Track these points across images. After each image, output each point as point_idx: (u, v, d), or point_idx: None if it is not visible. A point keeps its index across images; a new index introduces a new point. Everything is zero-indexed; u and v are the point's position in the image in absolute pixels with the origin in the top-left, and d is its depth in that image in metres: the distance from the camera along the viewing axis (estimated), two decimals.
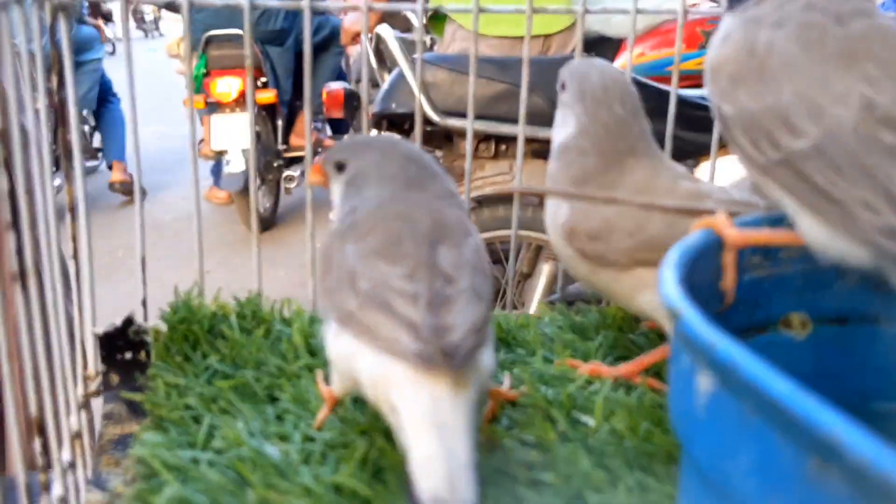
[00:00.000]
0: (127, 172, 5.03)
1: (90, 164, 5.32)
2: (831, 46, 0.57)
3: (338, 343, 0.65)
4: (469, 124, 0.96)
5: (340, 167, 0.74)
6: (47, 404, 0.67)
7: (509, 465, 0.66)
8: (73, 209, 0.81)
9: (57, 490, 0.70)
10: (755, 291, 0.65)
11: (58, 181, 5.61)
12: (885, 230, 0.54)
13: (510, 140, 2.67)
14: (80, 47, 4.77)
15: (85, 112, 5.10)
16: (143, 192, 0.95)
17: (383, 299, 0.61)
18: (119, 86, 5.07)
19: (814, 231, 0.58)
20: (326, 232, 0.72)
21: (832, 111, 0.55)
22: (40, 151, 0.77)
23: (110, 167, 5.13)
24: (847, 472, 0.39)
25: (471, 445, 0.56)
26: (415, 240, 0.65)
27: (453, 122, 2.68)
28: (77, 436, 0.77)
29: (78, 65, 4.13)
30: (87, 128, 5.24)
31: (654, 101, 2.37)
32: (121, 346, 0.85)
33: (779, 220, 0.62)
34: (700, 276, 0.60)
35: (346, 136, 4.08)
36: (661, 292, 0.53)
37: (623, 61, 3.62)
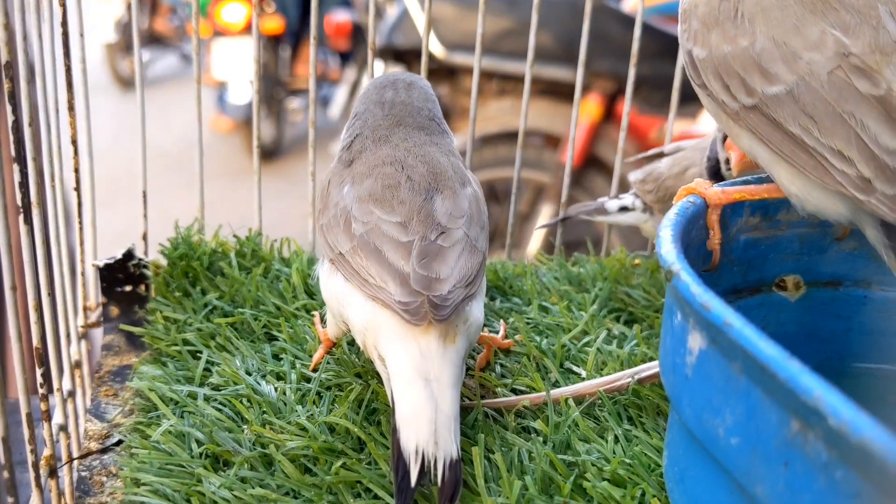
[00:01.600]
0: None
1: None
2: None
3: (330, 283, 0.65)
4: (476, 61, 0.95)
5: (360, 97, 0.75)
6: (49, 334, 0.68)
7: (500, 413, 0.67)
8: (75, 142, 0.81)
9: (57, 417, 0.71)
10: (751, 252, 0.65)
11: (146, 56, 5.65)
12: (857, 180, 0.53)
13: (515, 78, 2.65)
14: None
15: None
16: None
17: (375, 245, 0.62)
18: None
19: (790, 181, 0.57)
20: (327, 167, 0.72)
21: (807, 56, 0.54)
22: (45, 84, 0.77)
23: None
24: (827, 435, 0.40)
25: (457, 398, 0.57)
26: (411, 188, 0.65)
27: (458, 58, 2.66)
28: (77, 365, 0.78)
29: None
30: None
31: (659, 45, 2.33)
32: (121, 278, 0.86)
33: (764, 181, 0.63)
34: (694, 239, 0.61)
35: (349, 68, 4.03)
36: (657, 252, 0.53)
37: (635, 1, 3.57)
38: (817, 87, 0.54)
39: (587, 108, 2.52)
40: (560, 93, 2.57)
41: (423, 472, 0.54)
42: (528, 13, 0.95)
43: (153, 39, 5.63)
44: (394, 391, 0.57)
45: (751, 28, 0.57)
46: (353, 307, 0.62)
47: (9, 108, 0.60)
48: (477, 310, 0.63)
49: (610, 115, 2.57)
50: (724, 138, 0.79)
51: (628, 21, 2.49)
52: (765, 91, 0.56)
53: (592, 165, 2.54)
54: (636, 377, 0.69)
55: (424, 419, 0.55)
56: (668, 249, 0.53)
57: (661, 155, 0.94)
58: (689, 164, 0.85)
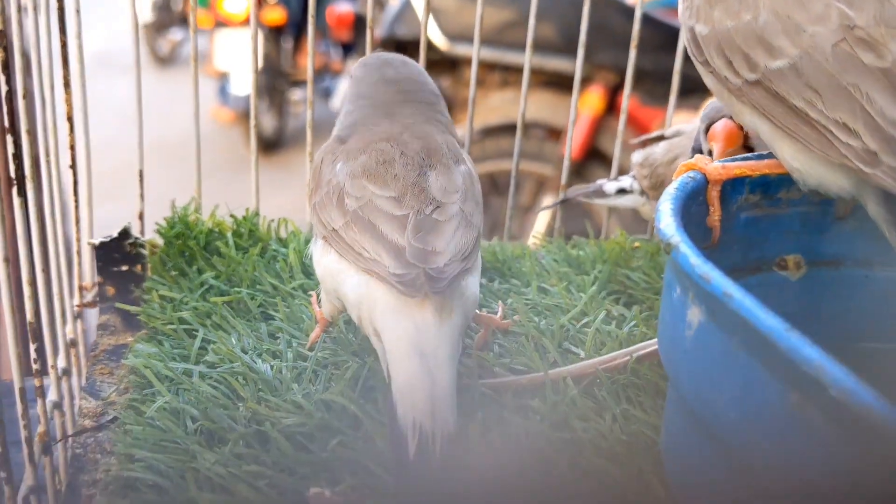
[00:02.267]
0: None
1: None
2: None
3: (323, 260, 0.65)
4: (475, 52, 0.95)
5: (351, 78, 0.74)
6: (43, 311, 0.67)
7: (498, 391, 0.67)
8: (70, 119, 0.80)
9: (51, 395, 0.71)
10: (752, 231, 0.65)
11: (179, 35, 5.64)
12: (863, 153, 0.52)
13: (518, 69, 2.65)
14: None
15: None
16: None
17: (369, 220, 0.61)
18: None
19: (792, 156, 0.57)
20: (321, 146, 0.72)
21: (810, 29, 0.54)
22: (39, 53, 0.76)
23: None
24: (827, 407, 0.39)
25: (454, 373, 0.57)
26: (405, 163, 0.65)
27: (460, 49, 2.65)
28: (72, 344, 0.78)
29: None
30: None
31: (663, 37, 2.33)
32: (116, 258, 0.85)
33: (765, 157, 0.62)
34: (694, 215, 0.60)
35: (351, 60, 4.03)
36: (657, 226, 0.53)
37: None
38: (821, 60, 0.53)
39: (589, 101, 2.51)
40: (563, 85, 2.56)
41: (422, 446, 0.53)
42: (529, 4, 0.95)
43: (185, 21, 5.65)
44: (390, 366, 0.56)
45: (754, 2, 0.56)
46: (348, 283, 0.62)
47: (2, 78, 0.59)
48: (473, 285, 0.62)
49: (612, 107, 2.57)
50: (707, 129, 0.78)
51: (631, 13, 2.48)
52: (768, 65, 0.55)
53: (594, 158, 2.53)
54: (634, 355, 0.69)
55: (421, 394, 0.54)
56: (667, 223, 0.52)
57: (661, 138, 0.94)
58: (681, 152, 0.84)
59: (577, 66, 0.97)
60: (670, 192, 0.58)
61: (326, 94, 4.30)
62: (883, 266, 0.66)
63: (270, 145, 4.40)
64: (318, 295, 0.77)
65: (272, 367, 0.69)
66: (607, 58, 2.45)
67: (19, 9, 0.68)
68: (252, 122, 0.94)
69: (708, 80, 0.61)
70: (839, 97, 0.53)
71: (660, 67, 2.09)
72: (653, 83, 2.48)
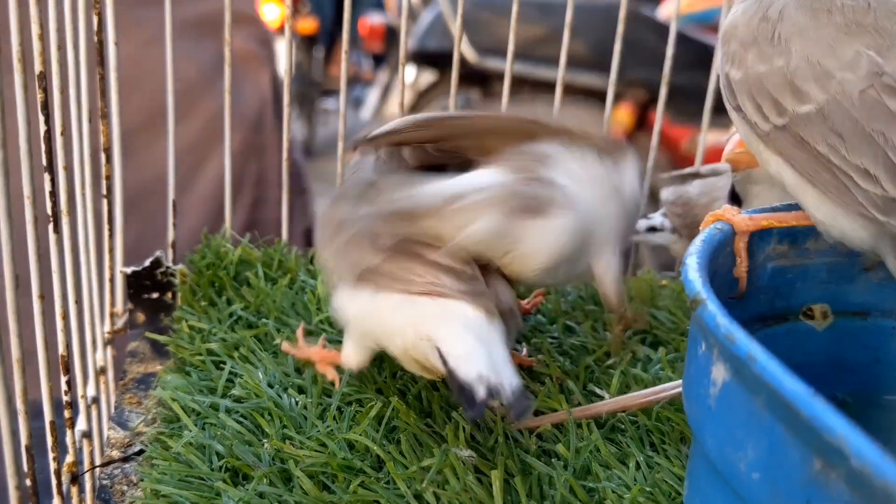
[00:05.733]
0: None
1: None
2: (839, 16, 0.56)
3: (355, 302, 0.65)
4: (507, 67, 0.94)
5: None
6: (75, 343, 0.69)
7: (521, 434, 0.67)
8: (107, 150, 0.82)
9: (80, 425, 0.72)
10: (779, 280, 0.65)
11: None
12: (880, 200, 0.52)
13: (548, 84, 2.64)
14: None
15: None
16: None
17: (412, 250, 0.62)
18: None
19: (815, 206, 0.57)
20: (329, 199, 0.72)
21: (839, 76, 0.54)
22: (79, 93, 0.78)
23: None
24: (850, 476, 0.39)
25: (508, 355, 0.58)
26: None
27: (490, 63, 2.66)
28: (102, 371, 0.79)
29: None
30: None
31: (693, 54, 2.32)
32: (148, 286, 0.86)
33: (792, 208, 0.62)
34: (721, 266, 0.60)
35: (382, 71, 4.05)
36: (683, 280, 0.53)
37: (670, 10, 3.55)
38: (848, 106, 0.54)
39: (619, 117, 2.51)
40: (592, 100, 2.56)
41: (491, 391, 0.54)
42: (561, 20, 0.95)
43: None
44: (445, 350, 0.57)
45: (786, 48, 0.57)
46: (389, 311, 0.62)
47: (41, 119, 0.61)
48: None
49: (642, 124, 2.56)
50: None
51: (663, 30, 2.48)
52: (796, 110, 0.56)
53: None
54: (657, 396, 0.69)
55: (481, 356, 0.56)
56: (694, 277, 0.52)
57: (696, 175, 0.93)
58: (719, 196, 0.84)
59: (610, 84, 0.97)
60: (697, 244, 0.58)
61: (357, 104, 4.33)
62: None
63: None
64: (304, 330, 0.77)
65: (297, 402, 0.70)
66: (637, 74, 2.44)
67: (60, 47, 0.69)
68: (284, 154, 0.94)
69: (739, 126, 0.62)
70: (862, 142, 0.53)
71: (689, 84, 2.08)
72: (683, 100, 2.47)
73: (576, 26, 0.97)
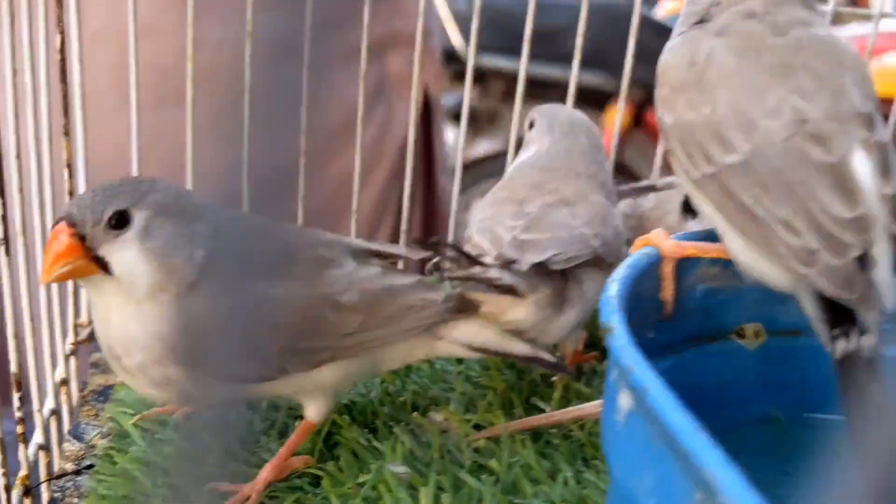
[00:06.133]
0: None
1: None
2: (768, 57, 0.56)
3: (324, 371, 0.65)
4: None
5: None
6: (30, 361, 0.71)
7: (459, 450, 0.69)
8: (70, 165, 0.84)
9: (37, 438, 0.74)
10: (710, 301, 0.66)
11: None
12: (802, 252, 0.53)
13: (543, 84, 2.65)
14: None
15: None
16: None
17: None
18: None
19: (739, 250, 0.58)
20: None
21: (763, 124, 0.54)
22: (37, 112, 0.79)
23: None
24: None
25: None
26: None
27: (486, 61, 2.66)
28: (63, 383, 0.81)
29: None
30: None
31: None
32: None
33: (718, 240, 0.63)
34: (648, 289, 0.62)
35: None
36: (600, 304, 0.54)
37: (667, 8, 3.55)
38: (771, 156, 0.54)
39: (616, 115, 2.51)
40: (588, 99, 2.56)
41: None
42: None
43: None
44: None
45: (713, 95, 0.57)
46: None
47: None
48: None
49: (638, 121, 2.57)
50: None
51: (660, 29, 2.48)
52: (723, 160, 0.56)
53: (619, 172, 2.53)
54: (593, 410, 0.71)
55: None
56: (607, 304, 0.54)
57: (651, 188, 0.94)
58: (671, 209, 0.85)
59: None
60: (621, 270, 0.59)
61: None
62: None
63: None
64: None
65: (246, 419, 0.72)
66: (635, 73, 2.44)
67: (15, 72, 0.72)
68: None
69: (675, 168, 0.62)
70: (785, 194, 0.53)
71: None
72: None
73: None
